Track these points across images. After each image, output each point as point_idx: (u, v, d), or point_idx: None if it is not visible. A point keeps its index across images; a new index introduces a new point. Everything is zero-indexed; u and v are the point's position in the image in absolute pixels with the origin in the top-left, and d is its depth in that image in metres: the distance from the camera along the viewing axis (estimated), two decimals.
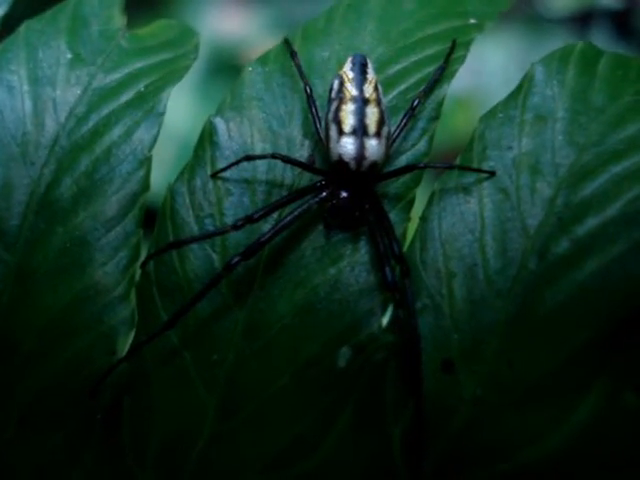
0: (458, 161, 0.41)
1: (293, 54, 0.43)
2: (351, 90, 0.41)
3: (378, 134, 0.40)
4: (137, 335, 0.40)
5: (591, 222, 0.37)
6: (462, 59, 0.43)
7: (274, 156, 0.40)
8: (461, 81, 0.42)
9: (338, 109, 0.40)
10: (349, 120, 0.40)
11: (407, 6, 0.46)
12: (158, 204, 0.42)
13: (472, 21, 0.45)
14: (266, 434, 0.38)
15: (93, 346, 0.40)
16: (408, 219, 0.40)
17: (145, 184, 0.42)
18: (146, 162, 0.42)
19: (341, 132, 0.40)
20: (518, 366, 0.36)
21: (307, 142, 0.42)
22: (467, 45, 0.44)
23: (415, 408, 0.36)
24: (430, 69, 0.43)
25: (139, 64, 0.45)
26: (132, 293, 0.40)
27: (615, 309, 0.36)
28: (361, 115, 0.40)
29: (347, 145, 0.40)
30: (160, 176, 0.42)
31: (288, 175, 0.41)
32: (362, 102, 0.40)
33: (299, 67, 0.42)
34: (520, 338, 0.36)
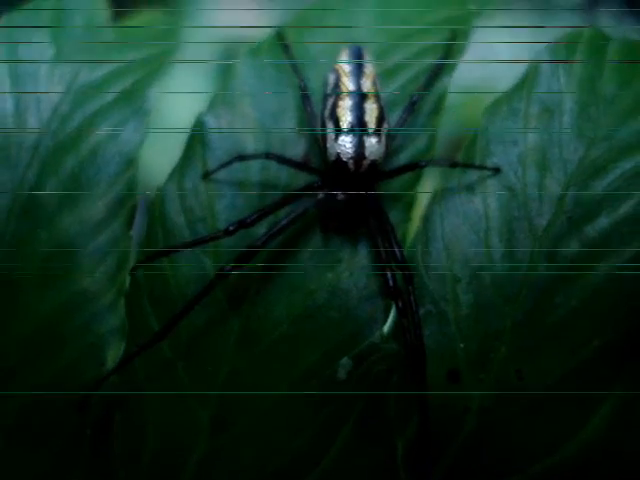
0: (460, 157, 0.39)
1: (286, 48, 0.41)
2: (348, 85, 0.38)
3: (378, 132, 0.38)
4: (128, 346, 0.38)
5: (603, 222, 0.35)
6: (462, 49, 0.41)
7: (268, 156, 0.38)
8: (468, 70, 0.40)
9: (335, 105, 0.38)
10: (347, 117, 0.38)
11: None
12: None
13: (471, 8, 0.43)
14: (264, 449, 0.36)
15: (81, 357, 0.38)
16: (408, 220, 0.39)
17: (133, 186, 0.40)
18: (134, 163, 0.40)
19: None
20: (527, 375, 0.34)
21: (302, 140, 0.40)
22: (467, 34, 0.41)
23: (420, 421, 0.34)
24: (429, 60, 0.41)
25: (125, 60, 0.43)
26: (121, 301, 0.38)
27: (629, 314, 0.34)
28: (360, 111, 0.38)
29: (345, 144, 0.37)
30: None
31: (283, 175, 0.39)
32: (360, 97, 0.38)
33: (293, 62, 0.40)
34: (529, 346, 0.35)
